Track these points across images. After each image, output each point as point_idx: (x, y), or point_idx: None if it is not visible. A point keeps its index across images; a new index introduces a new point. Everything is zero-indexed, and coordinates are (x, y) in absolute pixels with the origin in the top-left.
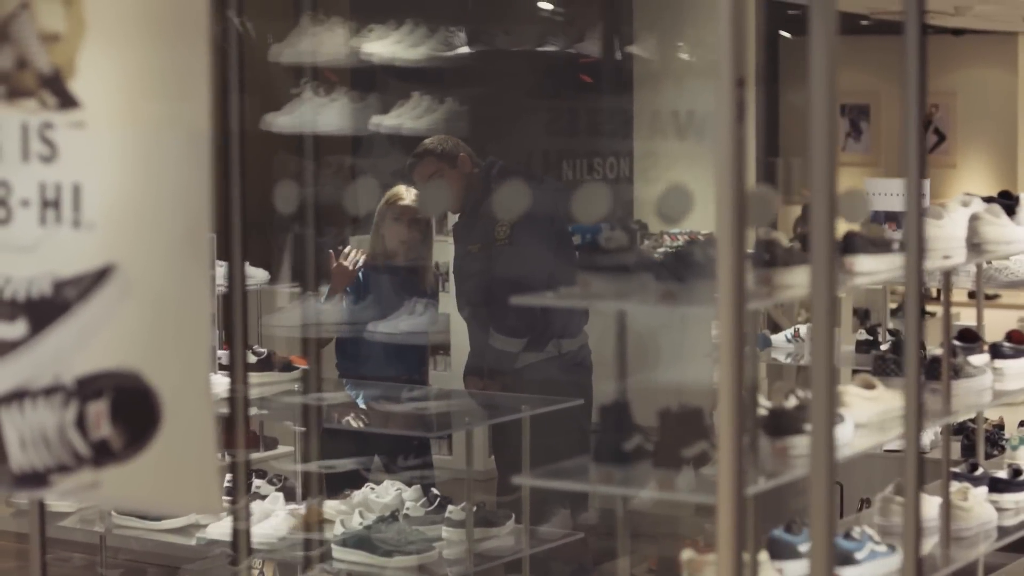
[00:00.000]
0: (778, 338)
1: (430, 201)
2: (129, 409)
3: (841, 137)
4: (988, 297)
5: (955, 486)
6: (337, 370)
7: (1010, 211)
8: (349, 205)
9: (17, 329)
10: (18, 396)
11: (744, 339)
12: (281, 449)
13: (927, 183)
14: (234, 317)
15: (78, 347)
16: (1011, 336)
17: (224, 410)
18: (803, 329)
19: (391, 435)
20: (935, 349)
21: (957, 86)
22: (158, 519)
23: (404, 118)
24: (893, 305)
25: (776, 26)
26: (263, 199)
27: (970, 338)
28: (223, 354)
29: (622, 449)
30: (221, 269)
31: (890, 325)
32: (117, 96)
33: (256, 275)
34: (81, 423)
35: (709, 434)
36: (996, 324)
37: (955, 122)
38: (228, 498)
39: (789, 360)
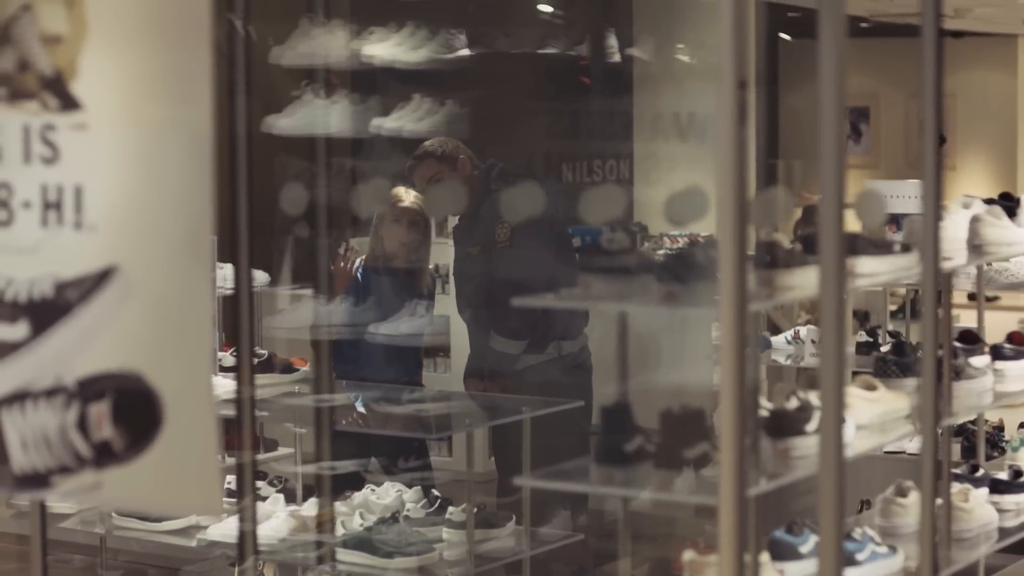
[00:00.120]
0: (778, 340)
1: (439, 203)
2: (130, 410)
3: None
4: (988, 299)
5: (956, 487)
6: (334, 372)
7: (1011, 213)
8: (357, 207)
9: (19, 330)
10: (19, 397)
11: (746, 340)
12: (281, 451)
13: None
14: (240, 319)
15: (79, 348)
16: (1012, 338)
17: (225, 412)
18: (803, 331)
19: (391, 437)
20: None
21: (957, 88)
22: (158, 520)
23: (405, 120)
24: (893, 307)
25: (776, 28)
26: (263, 201)
27: (971, 339)
28: (222, 355)
29: (623, 450)
30: (221, 271)
31: (890, 327)
32: (119, 98)
33: (257, 277)
34: (82, 424)
35: (710, 435)
36: (996, 326)
37: (955, 124)
38: (230, 499)
39: (789, 362)
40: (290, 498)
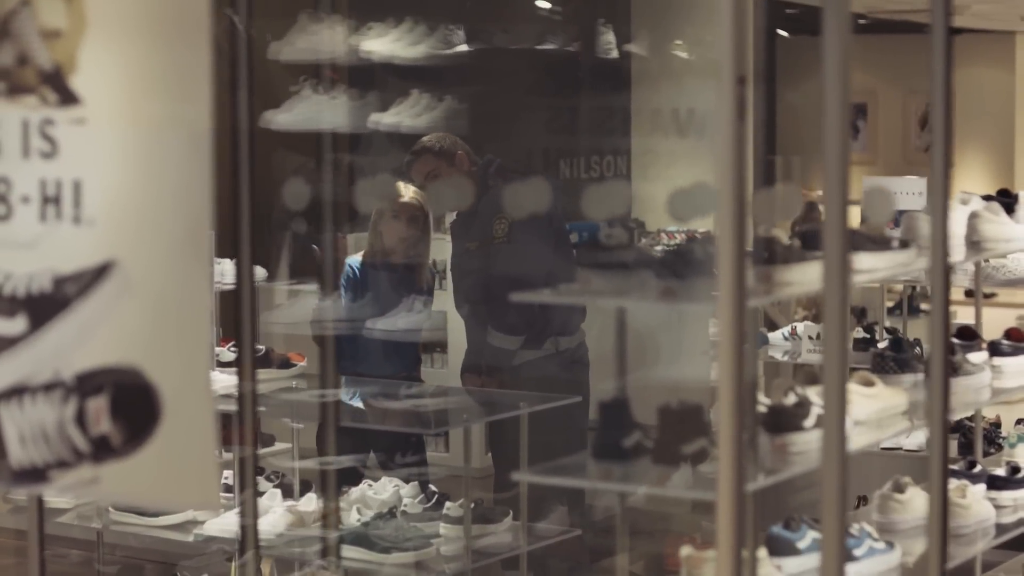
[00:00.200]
0: (775, 336)
1: (443, 198)
2: (129, 405)
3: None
4: (985, 296)
5: (953, 483)
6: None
7: (1009, 209)
8: (358, 202)
9: (17, 325)
10: (17, 392)
11: (744, 336)
12: (279, 446)
13: (924, 181)
14: (243, 315)
15: (78, 343)
16: (1010, 334)
17: (222, 407)
18: (800, 327)
19: (389, 432)
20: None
21: (954, 85)
22: (156, 515)
23: (403, 116)
24: (890, 303)
25: (774, 25)
26: (261, 196)
27: (968, 336)
28: (220, 350)
29: (621, 446)
30: (219, 266)
31: (887, 323)
32: (118, 93)
33: (254, 273)
34: (81, 419)
35: (708, 431)
36: (992, 322)
37: (952, 121)
38: (226, 495)
39: (786, 358)
40: (287, 493)
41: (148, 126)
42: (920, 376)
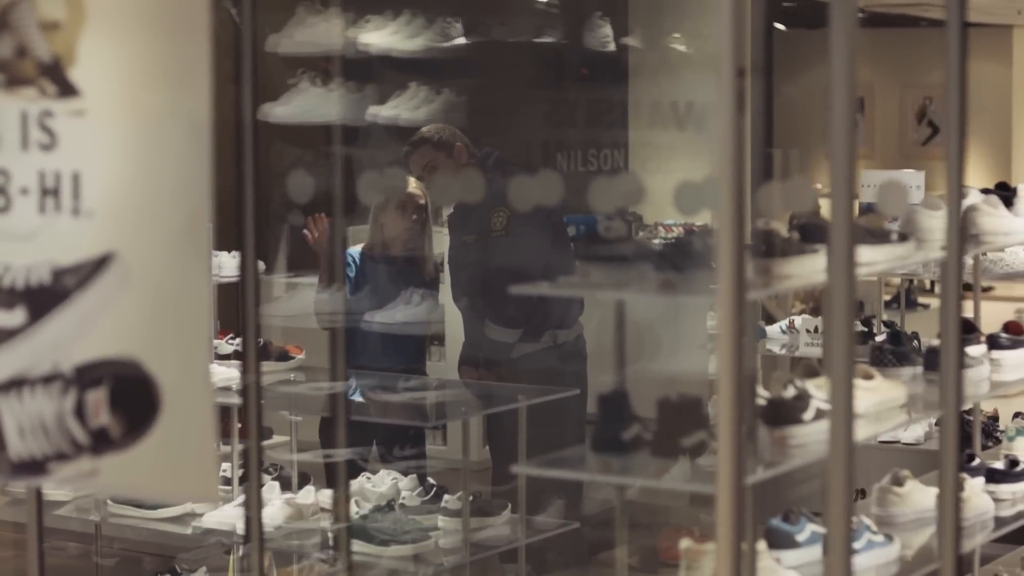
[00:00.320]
0: (772, 329)
1: (448, 190)
2: (128, 397)
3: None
4: (982, 289)
5: None
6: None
7: (1007, 202)
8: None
9: (16, 317)
10: (17, 384)
11: (744, 329)
12: (277, 439)
13: (922, 175)
14: (247, 307)
15: (77, 335)
16: (1008, 327)
17: (221, 399)
18: (798, 320)
19: (387, 425)
20: (932, 340)
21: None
22: (154, 508)
23: (401, 109)
24: (887, 297)
25: (771, 18)
26: (257, 189)
27: (967, 329)
28: (217, 343)
29: (620, 438)
30: (216, 259)
31: (884, 317)
32: (117, 85)
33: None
34: (80, 411)
35: (707, 424)
36: (990, 316)
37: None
38: (225, 487)
39: (784, 351)
40: (285, 486)
41: (147, 118)
42: (919, 369)
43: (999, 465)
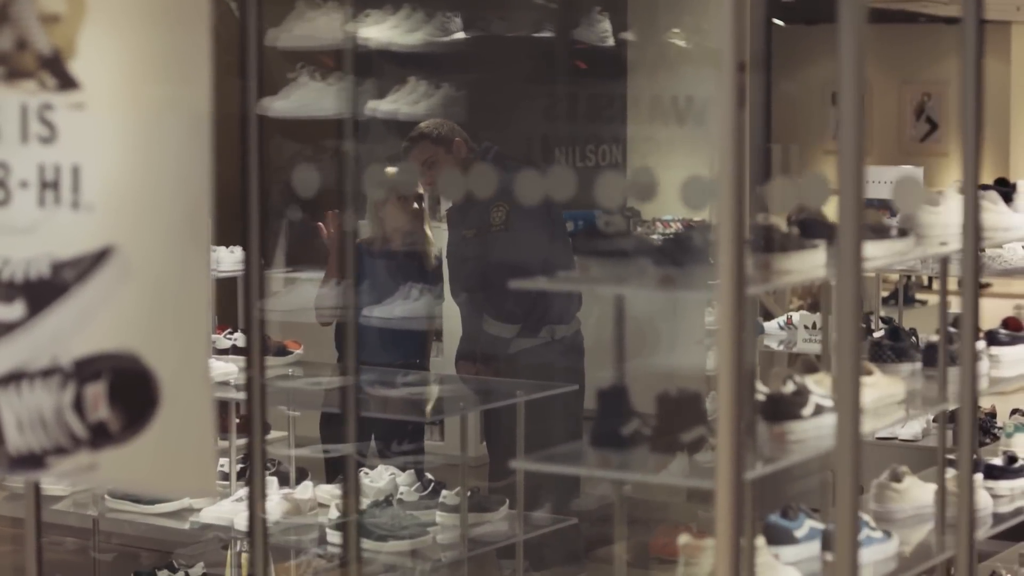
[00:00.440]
0: (770, 325)
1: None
2: (127, 391)
3: (833, 126)
4: (981, 286)
5: (950, 473)
6: (338, 352)
7: (1007, 198)
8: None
9: (15, 311)
10: (16, 378)
11: (743, 324)
12: (275, 434)
13: (920, 171)
14: (251, 302)
15: (76, 329)
16: (1007, 323)
17: (219, 394)
18: (796, 316)
19: (385, 420)
20: (931, 336)
21: (950, 75)
22: (152, 503)
23: (400, 103)
24: (885, 293)
25: (769, 13)
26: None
27: None
28: (215, 338)
29: (619, 434)
30: (214, 254)
31: (882, 313)
32: (117, 78)
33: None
34: (79, 405)
35: (706, 419)
36: (987, 312)
37: (948, 111)
38: (223, 482)
39: (781, 347)
40: (283, 481)
41: (147, 111)
42: (917, 365)
43: (997, 461)
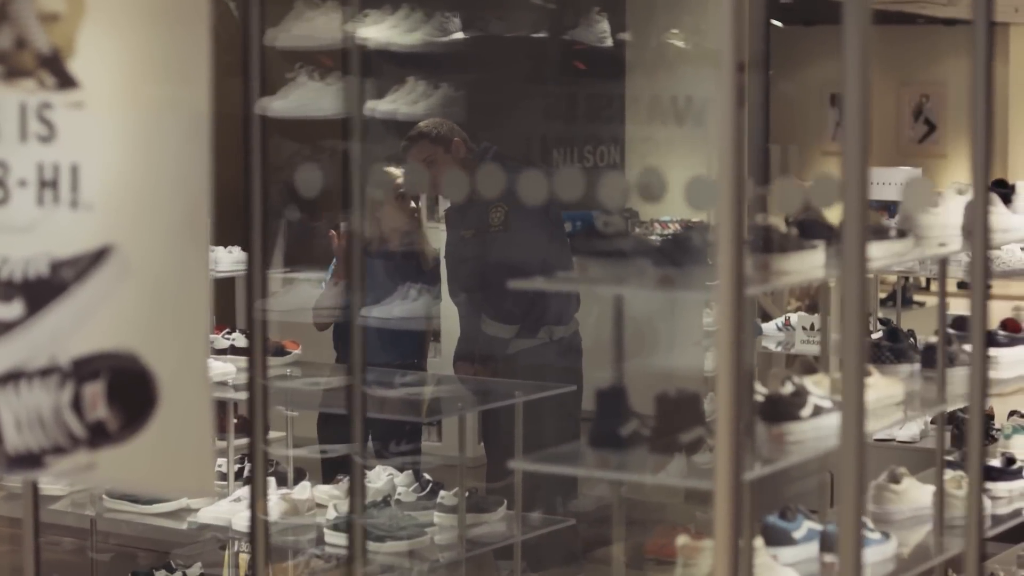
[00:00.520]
0: (768, 326)
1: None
2: (126, 391)
3: (831, 127)
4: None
5: (949, 474)
6: (336, 353)
7: (1005, 199)
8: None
9: (14, 310)
10: (14, 377)
11: (742, 325)
12: (273, 434)
13: (919, 172)
14: (252, 302)
15: (75, 328)
16: (1005, 325)
17: (216, 394)
18: (794, 317)
19: (383, 420)
20: (929, 337)
21: (948, 76)
22: (149, 503)
23: (399, 103)
24: (882, 295)
25: (768, 14)
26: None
27: (965, 326)
28: (213, 338)
29: (618, 434)
30: (212, 254)
31: (880, 314)
32: (116, 77)
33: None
34: (77, 404)
35: (705, 420)
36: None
37: (946, 112)
38: (221, 482)
39: (779, 348)
40: (281, 481)
41: (146, 110)
42: (916, 367)
43: (995, 463)
